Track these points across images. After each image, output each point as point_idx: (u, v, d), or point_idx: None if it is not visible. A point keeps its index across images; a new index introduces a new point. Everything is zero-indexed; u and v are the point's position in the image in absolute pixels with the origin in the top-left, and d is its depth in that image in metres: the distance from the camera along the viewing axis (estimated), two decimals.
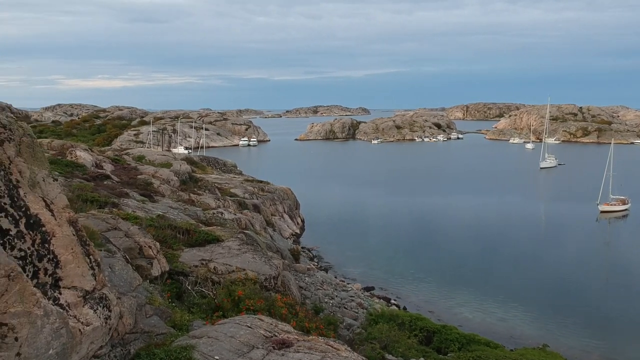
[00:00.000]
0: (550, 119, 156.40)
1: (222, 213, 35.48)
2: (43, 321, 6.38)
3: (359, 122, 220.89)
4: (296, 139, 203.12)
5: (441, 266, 44.34)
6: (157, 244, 14.50)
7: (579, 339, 30.84)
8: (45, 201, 7.26)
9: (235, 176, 65.82)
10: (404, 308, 34.18)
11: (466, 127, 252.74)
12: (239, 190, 50.71)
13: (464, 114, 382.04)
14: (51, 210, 7.28)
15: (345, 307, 26.61)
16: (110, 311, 7.93)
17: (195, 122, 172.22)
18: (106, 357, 7.93)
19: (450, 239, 53.78)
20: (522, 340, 29.89)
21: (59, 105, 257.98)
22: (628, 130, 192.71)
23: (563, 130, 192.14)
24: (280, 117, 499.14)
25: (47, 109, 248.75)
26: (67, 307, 7.02)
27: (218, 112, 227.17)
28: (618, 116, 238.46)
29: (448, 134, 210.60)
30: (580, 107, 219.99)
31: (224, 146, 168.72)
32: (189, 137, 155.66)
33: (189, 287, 14.43)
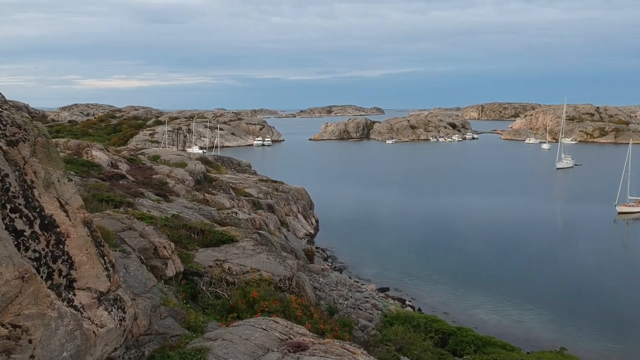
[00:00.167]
0: (566, 119, 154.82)
1: (236, 213, 35.50)
2: (57, 323, 6.33)
3: (373, 122, 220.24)
4: (310, 139, 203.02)
5: (456, 267, 43.98)
6: (172, 244, 14.47)
7: (597, 342, 30.39)
8: (60, 202, 7.21)
9: (250, 176, 65.89)
10: (419, 309, 33.93)
11: (481, 127, 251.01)
12: (253, 190, 50.74)
13: (479, 114, 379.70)
14: (66, 211, 7.23)
15: (359, 308, 26.45)
16: (124, 313, 7.87)
17: (209, 122, 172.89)
18: (120, 359, 7.87)
19: (465, 239, 53.37)
20: (539, 343, 29.52)
21: (75, 105, 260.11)
22: None
23: (580, 131, 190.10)
24: (295, 117, 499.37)
25: (63, 108, 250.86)
26: (81, 309, 6.96)
27: (232, 112, 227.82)
28: (636, 116, 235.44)
29: (463, 134, 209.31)
30: (597, 107, 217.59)
31: (238, 146, 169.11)
32: (204, 136, 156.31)
33: (204, 288, 14.37)
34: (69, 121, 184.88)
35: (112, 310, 7.55)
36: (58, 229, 6.97)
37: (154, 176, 38.36)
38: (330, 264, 42.99)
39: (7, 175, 6.38)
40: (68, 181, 7.65)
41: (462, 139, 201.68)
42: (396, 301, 34.47)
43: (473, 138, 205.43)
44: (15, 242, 6.19)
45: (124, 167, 38.96)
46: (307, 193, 61.22)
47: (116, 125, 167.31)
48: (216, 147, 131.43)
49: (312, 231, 54.98)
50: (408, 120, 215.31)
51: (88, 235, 7.55)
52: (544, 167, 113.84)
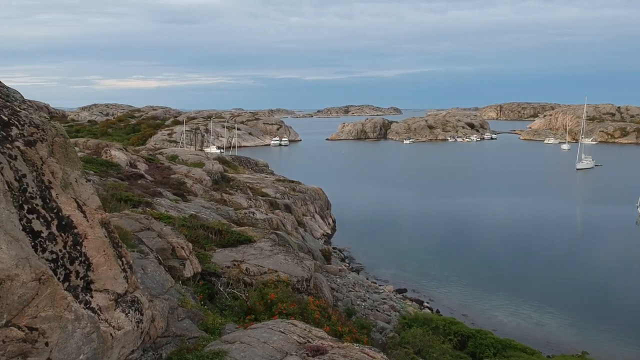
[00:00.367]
0: (586, 119, 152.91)
1: (253, 213, 35.46)
2: (74, 325, 6.25)
3: (391, 122, 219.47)
4: (327, 139, 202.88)
5: (474, 268, 43.53)
6: (190, 244, 14.41)
7: (620, 346, 29.81)
8: (77, 202, 7.14)
9: (267, 176, 65.94)
10: (437, 311, 33.62)
11: (500, 127, 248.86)
12: (271, 190, 50.72)
13: (497, 114, 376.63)
14: (83, 212, 7.16)
15: (377, 310, 26.25)
16: (142, 315, 7.78)
17: (227, 121, 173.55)
18: None
19: (483, 240, 52.85)
20: (560, 347, 29.06)
21: (95, 105, 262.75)
22: None
23: (600, 131, 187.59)
24: (312, 117, 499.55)
25: (83, 108, 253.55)
26: (98, 311, 6.88)
27: (250, 112, 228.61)
28: None
29: (481, 134, 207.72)
30: (619, 107, 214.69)
31: (256, 146, 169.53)
32: (221, 136, 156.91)
33: (221, 289, 14.29)
34: (89, 121, 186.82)
35: (129, 312, 7.46)
36: (75, 230, 6.90)
37: (172, 176, 38.49)
38: (347, 264, 42.82)
39: (24, 176, 6.32)
40: (86, 181, 7.59)
41: (481, 139, 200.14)
42: (414, 302, 34.20)
43: (491, 138, 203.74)
44: (33, 244, 6.12)
45: (142, 167, 39.15)
46: (324, 193, 61.09)
47: (135, 125, 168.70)
48: (234, 147, 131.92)
49: (329, 231, 54.84)
50: (426, 120, 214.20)
51: (106, 236, 7.48)
52: (564, 167, 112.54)
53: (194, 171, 41.63)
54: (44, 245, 6.30)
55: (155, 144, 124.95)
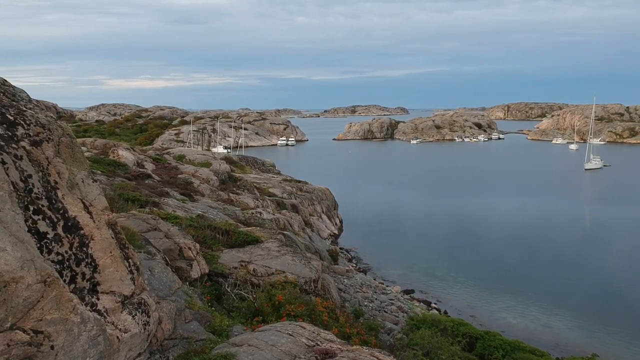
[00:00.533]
0: (595, 119, 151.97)
1: (260, 213, 35.39)
2: (80, 328, 6.15)
3: (398, 122, 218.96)
4: (334, 139, 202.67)
5: (482, 269, 43.27)
6: (197, 245, 14.32)
7: (630, 348, 29.48)
8: (84, 203, 7.05)
9: (274, 176, 65.87)
10: (445, 312, 33.42)
11: (507, 127, 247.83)
12: (278, 190, 50.64)
13: (505, 114, 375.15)
14: (90, 213, 7.06)
15: (385, 311, 26.08)
16: (149, 317, 7.69)
17: (234, 121, 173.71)
18: None
19: (491, 241, 52.56)
20: (569, 349, 28.78)
21: (102, 105, 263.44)
22: None
23: (609, 131, 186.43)
24: (318, 116, 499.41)
25: (91, 108, 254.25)
26: (104, 313, 6.78)
27: (257, 112, 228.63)
28: None
29: (489, 134, 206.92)
30: (627, 107, 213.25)
31: (263, 146, 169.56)
32: (228, 136, 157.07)
33: (228, 290, 14.20)
34: (96, 121, 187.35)
35: (136, 315, 7.37)
36: (82, 231, 6.80)
37: (179, 176, 38.47)
38: (354, 264, 42.66)
39: (30, 176, 6.23)
40: (92, 182, 7.49)
41: (488, 139, 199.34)
42: (422, 303, 34.01)
43: (499, 138, 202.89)
44: (38, 245, 6.03)
45: (149, 167, 39.15)
46: (331, 193, 60.96)
47: (142, 125, 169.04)
48: (240, 146, 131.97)
49: (336, 231, 54.70)
50: (433, 120, 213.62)
51: (112, 237, 7.39)
52: (572, 167, 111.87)
53: (201, 171, 41.60)
54: (50, 247, 6.21)
55: (162, 144, 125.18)
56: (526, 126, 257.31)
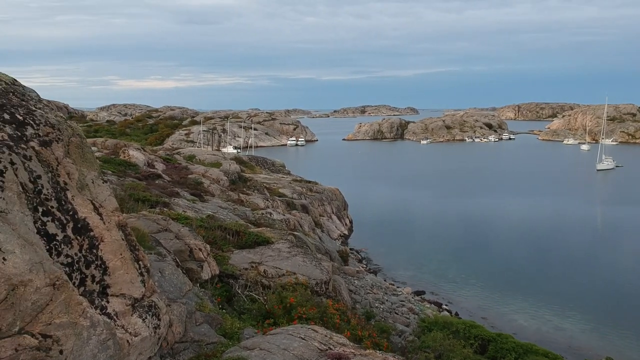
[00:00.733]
0: (607, 119, 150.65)
1: (270, 213, 35.28)
2: (89, 332, 6.04)
3: (408, 122, 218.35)
4: (344, 139, 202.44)
5: (493, 270, 42.93)
6: (208, 246, 14.20)
7: None
8: (94, 204, 6.94)
9: (284, 176, 65.79)
10: (456, 314, 33.16)
11: (518, 128, 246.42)
12: (288, 191, 50.53)
13: (515, 114, 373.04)
14: (100, 214, 6.95)
15: (396, 313, 25.87)
16: (159, 320, 7.56)
17: (244, 122, 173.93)
18: None
19: (502, 242, 52.18)
20: (583, 352, 28.43)
21: (113, 105, 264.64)
22: None
23: (621, 131, 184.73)
24: (328, 117, 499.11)
25: (102, 109, 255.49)
26: (114, 317, 6.66)
27: (266, 112, 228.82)
28: None
29: (499, 134, 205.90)
30: None
31: (272, 146, 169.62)
32: (238, 136, 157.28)
33: (239, 291, 14.07)
34: (107, 121, 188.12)
35: (146, 318, 7.25)
36: (92, 233, 6.69)
37: (190, 176, 38.45)
38: (364, 265, 42.47)
39: (39, 177, 6.13)
40: (103, 182, 7.38)
41: (499, 139, 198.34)
42: (432, 305, 33.76)
43: (510, 138, 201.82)
44: (47, 247, 5.92)
45: (160, 167, 39.16)
46: (341, 193, 60.78)
47: (153, 125, 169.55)
48: (250, 147, 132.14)
49: (346, 232, 54.53)
50: (443, 121, 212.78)
51: (122, 239, 7.27)
52: (584, 168, 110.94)
53: (211, 171, 41.56)
54: (59, 249, 6.10)
55: (172, 144, 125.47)
56: (537, 126, 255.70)
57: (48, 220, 6.05)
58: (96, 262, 6.65)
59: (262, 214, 33.48)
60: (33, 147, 6.25)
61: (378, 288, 30.11)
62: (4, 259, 5.22)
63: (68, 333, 5.74)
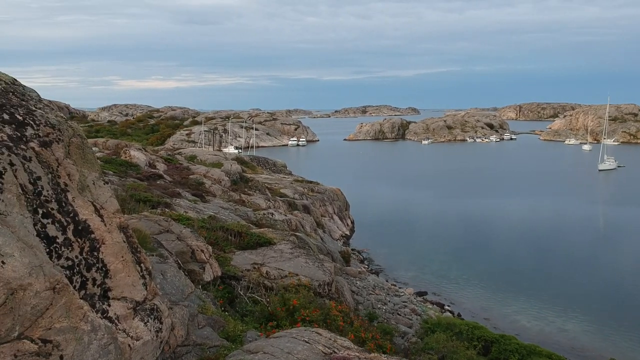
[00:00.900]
0: (608, 120, 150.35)
1: (272, 214, 35.14)
2: (90, 337, 5.91)
3: (409, 122, 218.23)
4: (345, 139, 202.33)
5: (495, 271, 42.77)
6: (210, 247, 14.09)
7: None
8: (94, 206, 6.82)
9: (285, 176, 65.68)
10: (459, 315, 33.01)
11: (519, 128, 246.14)
12: (289, 191, 50.40)
13: (516, 114, 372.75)
14: (101, 216, 6.84)
15: (398, 314, 25.75)
16: (161, 323, 7.45)
17: (245, 122, 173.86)
18: None
19: (504, 242, 52.02)
20: (586, 354, 28.29)
21: (114, 105, 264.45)
22: None
23: (622, 131, 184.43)
24: (329, 117, 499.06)
25: (103, 109, 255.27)
26: (116, 321, 6.55)
27: (267, 112, 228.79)
28: None
29: (501, 134, 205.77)
30: None
31: (274, 146, 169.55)
32: (239, 137, 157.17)
33: (241, 293, 13.95)
34: (108, 121, 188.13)
35: (148, 321, 7.13)
36: (93, 235, 6.58)
37: (191, 176, 38.34)
38: (366, 266, 42.32)
39: (39, 178, 6.01)
40: (104, 184, 7.27)
41: (500, 139, 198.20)
42: (435, 306, 33.61)
43: (511, 139, 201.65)
44: (47, 250, 5.80)
45: (161, 167, 39.06)
46: (343, 194, 60.64)
47: (154, 125, 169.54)
48: (252, 147, 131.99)
49: (347, 232, 54.39)
50: (444, 121, 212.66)
51: (124, 241, 7.16)
52: (586, 168, 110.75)
53: (212, 171, 41.46)
54: (60, 252, 5.98)
55: (174, 144, 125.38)
56: (538, 126, 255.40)
57: (48, 223, 5.93)
58: (97, 265, 6.54)
59: (264, 214, 33.37)
60: (33, 148, 6.14)
61: (380, 289, 29.99)
62: (2, 262, 5.10)
63: (68, 338, 5.62)
